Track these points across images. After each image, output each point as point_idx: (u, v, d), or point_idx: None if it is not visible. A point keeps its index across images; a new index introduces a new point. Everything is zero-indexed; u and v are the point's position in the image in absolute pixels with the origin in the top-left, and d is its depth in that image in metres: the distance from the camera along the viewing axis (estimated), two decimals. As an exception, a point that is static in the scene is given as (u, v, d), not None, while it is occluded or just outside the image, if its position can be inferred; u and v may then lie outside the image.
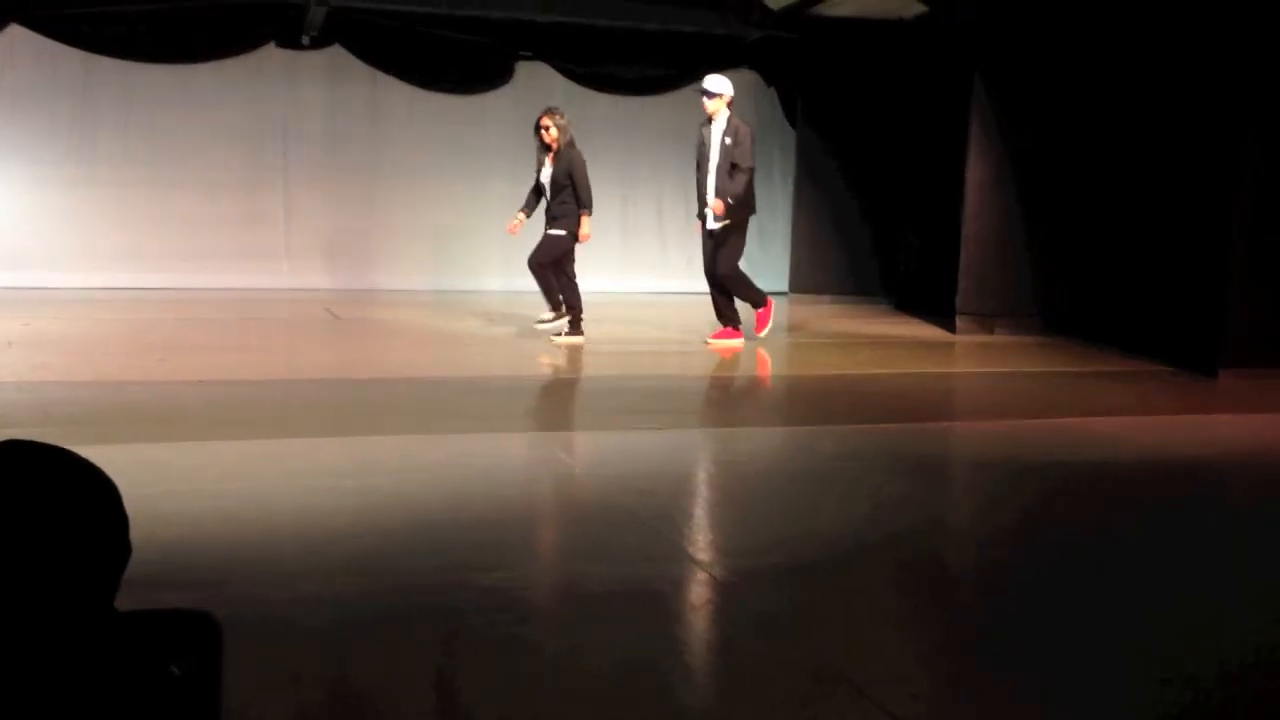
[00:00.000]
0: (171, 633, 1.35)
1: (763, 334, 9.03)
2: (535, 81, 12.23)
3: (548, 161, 8.68)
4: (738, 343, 8.87)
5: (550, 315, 8.74)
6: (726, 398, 7.82)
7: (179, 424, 5.59)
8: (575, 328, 8.68)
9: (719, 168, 8.66)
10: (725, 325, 8.96)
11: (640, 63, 12.26)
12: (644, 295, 12.46)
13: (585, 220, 8.60)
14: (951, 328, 10.06)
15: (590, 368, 8.06)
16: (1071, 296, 9.85)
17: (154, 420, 5.70)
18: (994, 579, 3.85)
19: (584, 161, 8.67)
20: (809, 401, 7.26)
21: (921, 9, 11.01)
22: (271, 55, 11.73)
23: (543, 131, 8.64)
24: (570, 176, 8.55)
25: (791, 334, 9.96)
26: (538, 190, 8.81)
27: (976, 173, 9.99)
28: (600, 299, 10.06)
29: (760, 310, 9.06)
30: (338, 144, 12.12)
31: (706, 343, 8.90)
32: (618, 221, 12.77)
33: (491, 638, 3.07)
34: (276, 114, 11.88)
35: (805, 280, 12.90)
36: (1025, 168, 9.89)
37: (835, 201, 12.64)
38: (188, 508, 4.11)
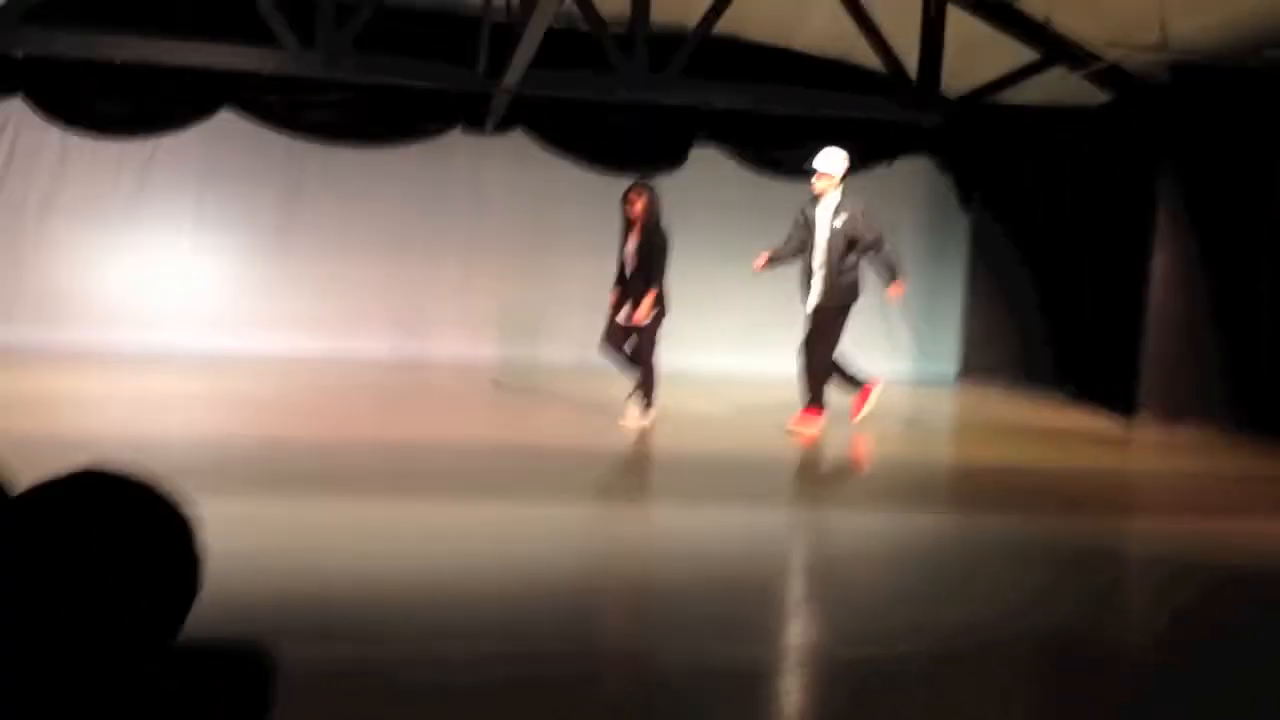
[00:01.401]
0: (220, 670, 1.30)
1: (802, 430, 8.32)
2: (707, 164, 12.44)
3: (630, 238, 8.40)
4: (818, 426, 8.32)
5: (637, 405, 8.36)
6: (883, 481, 7.67)
7: (346, 482, 5.80)
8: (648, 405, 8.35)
9: (828, 253, 8.27)
10: (810, 405, 8.35)
11: (813, 148, 12.30)
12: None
13: (646, 301, 8.14)
14: (1131, 421, 9.68)
15: (727, 443, 8.02)
16: (1265, 393, 9.37)
17: (322, 478, 5.92)
18: (1144, 684, 3.67)
19: (666, 240, 8.29)
20: (969, 489, 7.08)
21: (1108, 97, 10.79)
22: (459, 139, 12.26)
23: (628, 206, 8.38)
24: (650, 254, 8.23)
25: (958, 420, 9.75)
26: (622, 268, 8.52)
27: (1163, 261, 9.67)
28: (767, 379, 10.04)
29: (811, 411, 8.36)
30: (515, 221, 12.53)
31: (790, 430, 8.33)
32: (787, 301, 12.75)
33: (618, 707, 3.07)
34: (459, 193, 12.39)
35: (975, 365, 12.64)
36: (1214, 257, 9.52)
37: (1009, 287, 12.38)
38: (351, 565, 4.24)
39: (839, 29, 10.62)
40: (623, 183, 12.65)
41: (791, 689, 3.34)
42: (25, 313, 11.40)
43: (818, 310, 8.34)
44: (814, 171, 8.41)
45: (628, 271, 8.38)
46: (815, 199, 8.46)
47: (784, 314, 12.94)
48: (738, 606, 4.32)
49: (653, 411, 8.38)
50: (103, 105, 11.45)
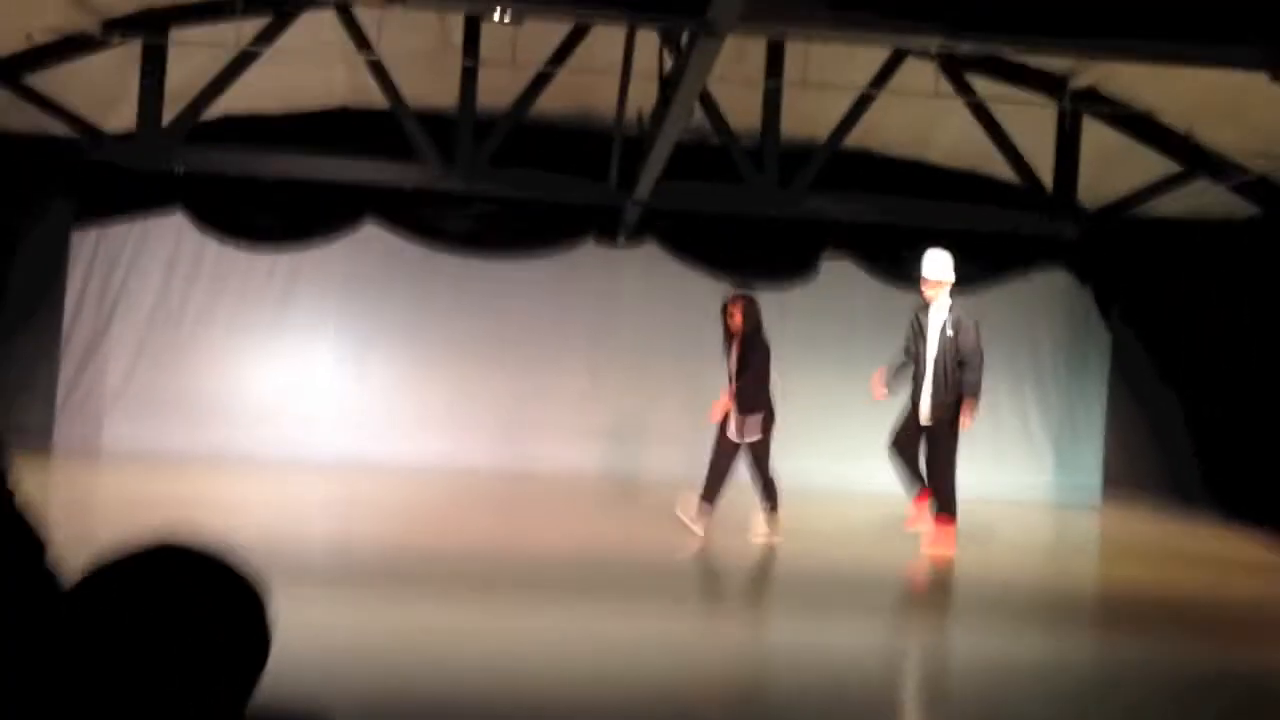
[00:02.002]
0: None
1: (928, 543, 8.06)
2: (839, 276, 12.40)
3: (733, 348, 8.34)
4: (952, 540, 8.01)
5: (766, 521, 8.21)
6: (1015, 603, 7.38)
7: (466, 588, 5.84)
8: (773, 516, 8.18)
9: (938, 360, 8.03)
10: (940, 516, 8.05)
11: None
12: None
13: (752, 422, 8.07)
14: (1286, 545, 9.18)
15: (864, 558, 7.83)
16: None
17: (441, 582, 5.99)
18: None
19: (768, 351, 8.25)
20: (1103, 615, 6.78)
21: (1254, 210, 10.47)
22: (591, 250, 12.48)
23: (728, 317, 8.33)
24: (749, 364, 8.15)
25: (1102, 543, 9.37)
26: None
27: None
28: (897, 499, 9.83)
29: (943, 524, 8.05)
30: (645, 332, 12.61)
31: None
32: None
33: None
34: (592, 303, 12.55)
35: (1119, 485, 12.18)
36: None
37: (1153, 403, 11.96)
38: (453, 667, 4.25)
39: (973, 140, 10.57)
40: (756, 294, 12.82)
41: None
42: (179, 418, 11.87)
43: (933, 423, 8.11)
44: (923, 278, 8.23)
45: (730, 383, 8.32)
46: (925, 306, 8.27)
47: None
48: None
49: (779, 522, 8.23)
50: (256, 218, 12.00)
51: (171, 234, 12.09)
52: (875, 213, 10.94)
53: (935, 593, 7.49)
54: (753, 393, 8.13)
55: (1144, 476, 12.01)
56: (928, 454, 8.16)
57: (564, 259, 12.50)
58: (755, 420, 8.12)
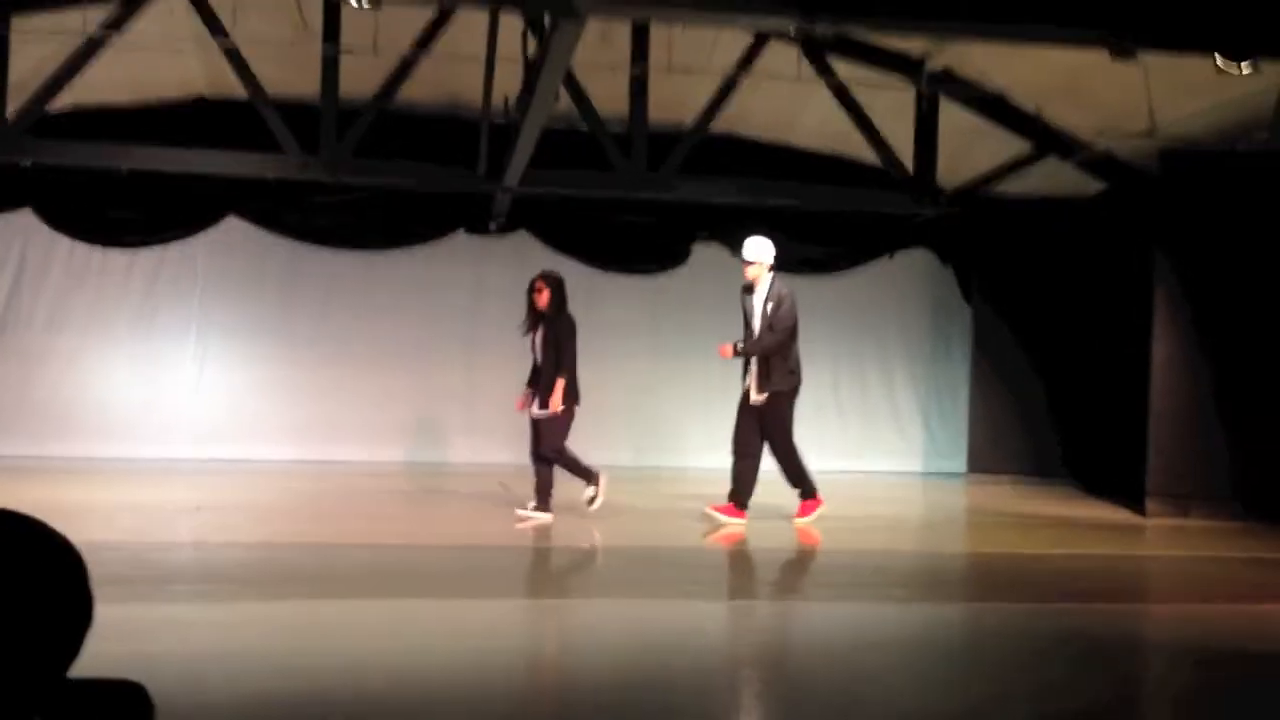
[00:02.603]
0: (110, 701, 1.34)
1: (803, 520, 8.28)
2: (710, 261, 12.52)
3: (540, 329, 8.32)
4: (817, 514, 8.23)
5: (590, 493, 8.21)
6: (893, 572, 7.56)
7: (336, 583, 5.75)
8: (544, 504, 8.17)
9: (762, 335, 8.18)
10: (805, 498, 8.29)
11: (812, 242, 12.42)
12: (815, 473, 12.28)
13: (557, 389, 8.06)
14: (1141, 510, 9.56)
15: (718, 539, 7.96)
16: (1272, 477, 9.28)
17: (312, 580, 5.88)
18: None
19: (573, 328, 8.26)
20: (977, 579, 6.98)
21: (1100, 186, 10.89)
22: (462, 240, 12.37)
23: (535, 295, 8.30)
24: (558, 343, 8.18)
25: (968, 514, 9.66)
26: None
27: (1163, 348, 9.64)
28: (767, 477, 9.97)
29: (807, 502, 8.33)
30: (517, 321, 12.54)
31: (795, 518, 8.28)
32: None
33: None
34: (464, 295, 12.43)
35: (984, 460, 12.57)
36: (1214, 343, 9.50)
37: (1013, 379, 12.39)
38: (334, 663, 4.18)
39: (835, 124, 10.78)
40: (627, 281, 12.88)
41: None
42: (32, 425, 11.41)
43: (763, 402, 8.16)
44: (744, 260, 8.32)
45: (536, 362, 8.32)
46: (750, 288, 8.37)
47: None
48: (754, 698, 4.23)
49: (550, 508, 8.17)
50: (111, 215, 11.60)
51: (19, 233, 11.64)
52: (742, 195, 11.06)
53: (805, 569, 7.63)
54: (565, 368, 8.09)
55: (1006, 451, 12.42)
56: (765, 437, 8.19)
57: (435, 250, 12.38)
58: (556, 396, 8.05)
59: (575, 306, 12.45)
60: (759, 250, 8.33)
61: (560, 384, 8.09)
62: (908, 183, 10.73)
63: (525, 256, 12.48)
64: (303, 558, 6.61)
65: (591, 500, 8.25)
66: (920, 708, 4.08)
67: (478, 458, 12.08)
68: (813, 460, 12.73)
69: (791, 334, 8.25)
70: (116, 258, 11.85)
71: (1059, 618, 5.60)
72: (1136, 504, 9.68)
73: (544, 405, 8.12)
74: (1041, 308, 12.10)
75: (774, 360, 8.16)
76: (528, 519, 8.16)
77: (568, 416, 8.14)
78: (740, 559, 7.70)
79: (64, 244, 11.72)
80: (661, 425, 12.61)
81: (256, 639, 4.57)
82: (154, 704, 1.37)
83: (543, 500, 8.20)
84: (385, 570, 6.29)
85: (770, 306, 8.19)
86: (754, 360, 8.20)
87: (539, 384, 8.24)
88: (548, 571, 7.23)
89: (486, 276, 12.45)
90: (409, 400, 12.30)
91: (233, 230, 11.96)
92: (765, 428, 8.20)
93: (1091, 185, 10.91)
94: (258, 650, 4.36)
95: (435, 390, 12.36)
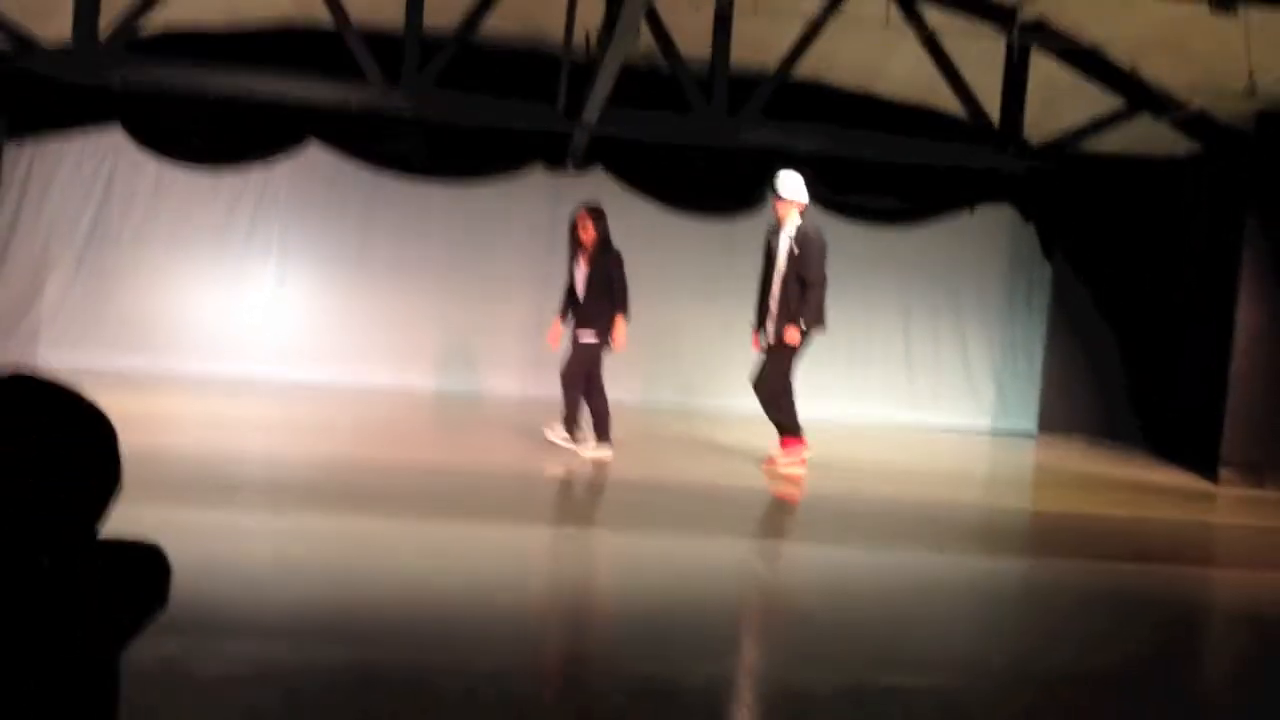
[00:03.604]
0: (127, 556, 1.39)
1: (781, 467, 7.95)
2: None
3: (582, 262, 8.27)
4: (801, 459, 7.87)
5: (564, 436, 8.19)
6: (954, 526, 7.52)
7: (396, 503, 5.86)
8: (604, 437, 8.07)
9: (785, 279, 7.85)
10: (785, 439, 7.93)
11: (891, 193, 12.26)
12: (881, 426, 12.21)
13: (621, 326, 8.03)
14: (1214, 478, 9.39)
15: (796, 485, 7.94)
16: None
17: (373, 498, 5.99)
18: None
19: (622, 261, 8.15)
20: (1035, 535, 6.92)
21: (1193, 146, 10.59)
22: (539, 177, 12.39)
23: (579, 231, 8.24)
24: (609, 278, 8.09)
25: (1033, 472, 9.55)
26: (571, 293, 8.40)
27: (1248, 315, 9.41)
28: (831, 427, 9.95)
29: (790, 440, 7.95)
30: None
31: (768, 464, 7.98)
32: (862, 350, 12.73)
33: None
34: (539, 230, 12.47)
35: (1055, 420, 12.39)
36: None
37: (1090, 340, 12.16)
38: (386, 578, 4.27)
39: (922, 75, 10.58)
40: (701, 226, 12.82)
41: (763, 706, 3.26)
42: (114, 338, 11.72)
43: (772, 348, 7.92)
44: (775, 194, 8.03)
45: (580, 297, 8.22)
46: (777, 228, 8.09)
47: (859, 366, 12.90)
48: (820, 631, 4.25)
49: (610, 443, 8.10)
50: (197, 136, 11.79)
51: (109, 150, 11.87)
52: (822, 142, 10.92)
53: (866, 514, 7.60)
54: (619, 306, 8.01)
55: (1078, 412, 12.22)
56: (765, 373, 7.93)
57: (512, 184, 12.42)
58: (623, 331, 7.99)
59: (648, 246, 12.55)
60: (794, 187, 8.02)
61: (622, 320, 8.05)
62: (994, 136, 10.51)
63: (601, 194, 12.48)
64: (367, 478, 6.74)
65: (562, 442, 8.12)
66: (965, 652, 4.08)
67: (544, 392, 12.16)
68: (879, 412, 12.75)
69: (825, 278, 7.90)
70: (201, 179, 12.05)
71: (1115, 576, 5.54)
72: (1209, 472, 9.51)
73: (601, 338, 8.03)
74: (1124, 269, 11.83)
75: (795, 305, 7.79)
76: (586, 453, 8.13)
77: (599, 352, 8.06)
78: (796, 505, 7.69)
79: (151, 163, 11.94)
80: (737, 369, 12.56)
81: (314, 549, 4.68)
82: (170, 567, 1.42)
83: (602, 433, 8.14)
84: (445, 494, 6.39)
85: (795, 246, 7.86)
86: (778, 303, 7.83)
87: (582, 318, 8.13)
88: (606, 503, 7.28)
89: (562, 213, 12.45)
90: (483, 332, 12.43)
91: (314, 157, 12.09)
92: (766, 368, 7.91)
93: (1183, 145, 10.61)
94: (315, 560, 4.47)
95: (508, 323, 12.46)
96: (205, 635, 3.12)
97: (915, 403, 12.73)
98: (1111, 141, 10.69)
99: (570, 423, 8.29)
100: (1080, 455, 11.01)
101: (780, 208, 8.01)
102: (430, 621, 3.84)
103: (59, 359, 11.25)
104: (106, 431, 1.34)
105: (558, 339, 8.41)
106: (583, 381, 8.09)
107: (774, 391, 7.89)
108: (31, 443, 1.26)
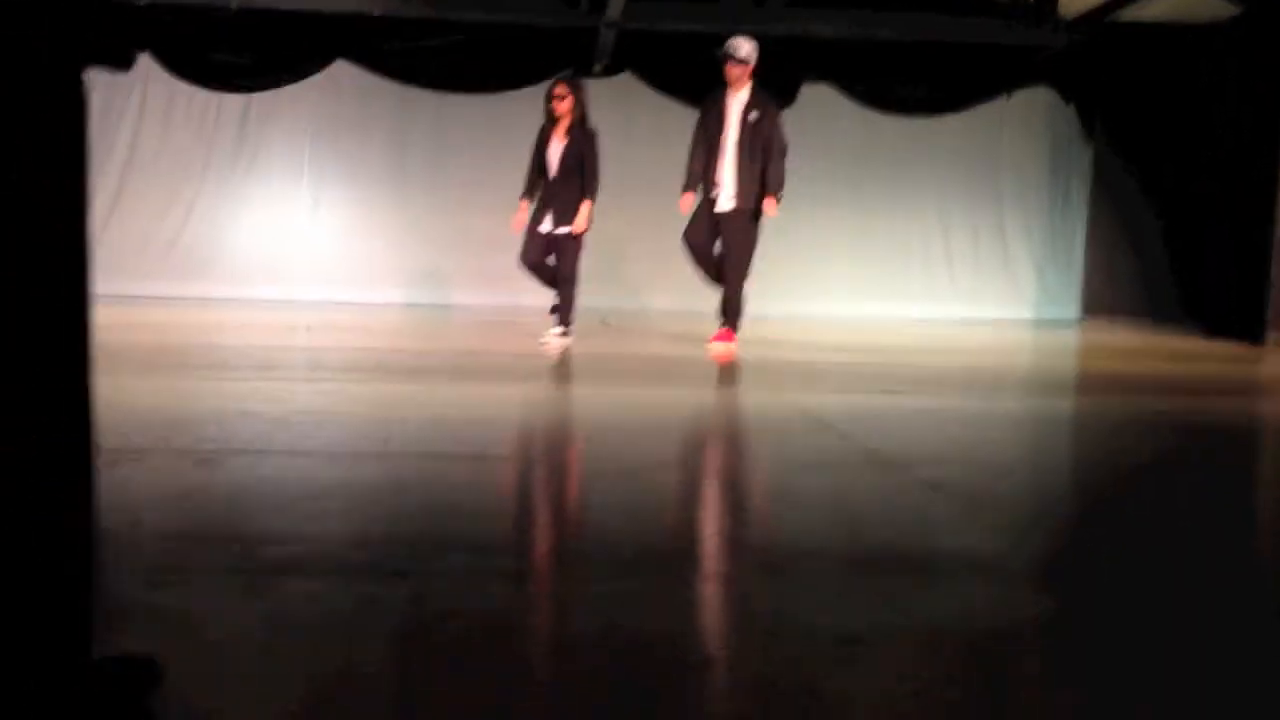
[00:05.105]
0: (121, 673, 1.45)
1: (716, 349, 7.54)
2: (818, 100, 12.27)
3: (556, 138, 7.67)
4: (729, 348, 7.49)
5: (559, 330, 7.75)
6: (979, 376, 7.44)
7: (423, 375, 6.03)
8: (567, 323, 7.75)
9: (740, 145, 7.48)
10: (725, 325, 7.62)
11: (926, 80, 12.07)
12: (924, 321, 12.10)
13: (586, 209, 7.55)
14: (1261, 342, 9.25)
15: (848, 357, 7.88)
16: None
17: (402, 371, 6.23)
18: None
19: (596, 139, 7.62)
20: (1066, 382, 6.96)
21: (1235, 10, 10.30)
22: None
23: (555, 102, 7.60)
24: (582, 156, 7.57)
25: (1076, 347, 9.47)
26: (539, 173, 7.77)
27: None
28: (870, 325, 9.86)
29: (730, 334, 7.63)
30: (625, 167, 12.50)
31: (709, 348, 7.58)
32: (900, 245, 12.62)
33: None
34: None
35: (1098, 304, 12.25)
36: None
37: (1132, 221, 11.96)
38: (410, 428, 4.34)
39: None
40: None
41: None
42: (151, 266, 11.87)
43: (730, 213, 7.54)
44: (726, 57, 7.59)
45: (551, 176, 7.67)
46: (725, 89, 7.70)
47: (898, 262, 12.77)
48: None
49: (572, 331, 7.80)
50: (222, 57, 11.83)
51: (139, 78, 11.93)
52: (852, 29, 10.77)
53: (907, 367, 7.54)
54: (589, 187, 7.56)
55: (1121, 295, 12.06)
56: (723, 245, 7.60)
57: (541, 93, 12.30)
58: (587, 213, 7.58)
59: (679, 148, 12.44)
60: (752, 50, 7.66)
61: (588, 204, 7.61)
62: (1026, 11, 10.30)
63: (630, 98, 12.40)
64: (399, 359, 6.91)
65: (556, 335, 7.78)
66: (989, 459, 4.08)
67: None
68: (920, 309, 12.62)
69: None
70: (231, 102, 12.11)
71: (1149, 405, 5.58)
72: (1256, 339, 9.35)
73: (567, 222, 7.60)
74: (1165, 144, 11.57)
75: (754, 172, 7.51)
76: (551, 343, 7.77)
77: (581, 238, 7.67)
78: (824, 367, 7.65)
79: (181, 88, 12.01)
80: (770, 270, 12.49)
81: (347, 406, 4.85)
82: (161, 675, 1.48)
83: (566, 319, 7.79)
84: (465, 368, 6.55)
85: (754, 115, 7.55)
86: (736, 169, 7.52)
87: (552, 198, 7.67)
88: (618, 369, 7.27)
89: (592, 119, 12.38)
90: (514, 244, 12.40)
91: (341, 74, 12.11)
92: (727, 236, 7.55)
93: (1225, 10, 10.32)
94: (347, 413, 4.66)
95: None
96: (269, 455, 3.37)
97: (956, 296, 12.63)
98: (1150, 9, 10.42)
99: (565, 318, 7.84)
100: (1126, 333, 10.87)
101: (737, 71, 7.58)
102: (452, 439, 3.95)
103: (97, 287, 11.38)
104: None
105: (521, 224, 7.91)
106: (573, 279, 7.74)
107: (741, 260, 7.61)
108: None
